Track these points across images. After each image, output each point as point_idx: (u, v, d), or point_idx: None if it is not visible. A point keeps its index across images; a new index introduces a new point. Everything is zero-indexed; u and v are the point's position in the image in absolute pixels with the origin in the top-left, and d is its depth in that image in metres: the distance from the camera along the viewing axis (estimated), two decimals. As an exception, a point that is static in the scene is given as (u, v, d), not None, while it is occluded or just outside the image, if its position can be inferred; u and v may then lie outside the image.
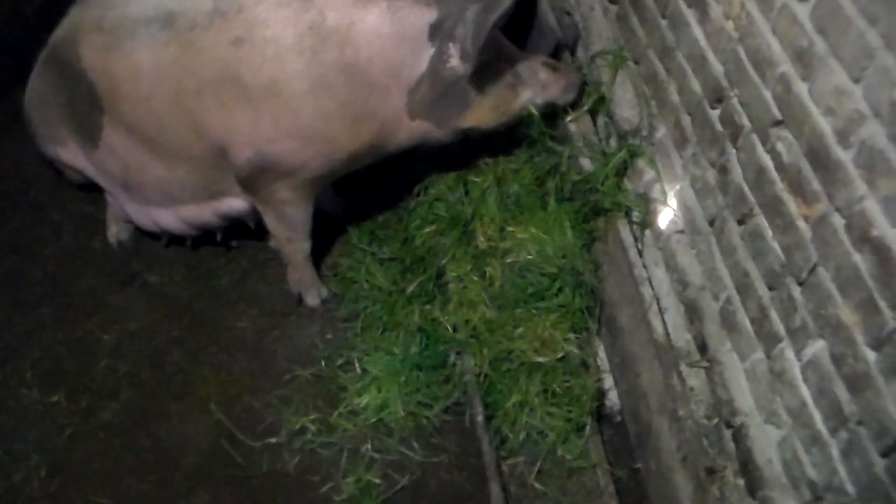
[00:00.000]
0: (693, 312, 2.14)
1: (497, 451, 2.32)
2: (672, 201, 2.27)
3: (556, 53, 2.76)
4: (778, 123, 1.78)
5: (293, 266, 2.68)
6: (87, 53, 2.44)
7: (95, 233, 2.88)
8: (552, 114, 2.56)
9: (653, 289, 2.26)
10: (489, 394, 2.40)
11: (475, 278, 2.55)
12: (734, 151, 1.97)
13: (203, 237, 2.77)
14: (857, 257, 1.54)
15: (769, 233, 1.83)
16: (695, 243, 2.17)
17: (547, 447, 2.31)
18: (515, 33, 2.59)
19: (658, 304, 2.23)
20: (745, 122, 1.91)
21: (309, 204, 2.52)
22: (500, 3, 2.19)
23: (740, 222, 1.95)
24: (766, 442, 1.85)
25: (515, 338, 2.40)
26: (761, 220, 1.86)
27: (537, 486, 2.29)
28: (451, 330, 2.49)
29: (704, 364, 2.08)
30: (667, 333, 2.18)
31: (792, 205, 1.74)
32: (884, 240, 1.47)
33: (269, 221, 2.56)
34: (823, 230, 1.64)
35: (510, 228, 2.57)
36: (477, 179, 2.67)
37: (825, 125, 1.62)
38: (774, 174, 1.80)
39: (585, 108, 2.58)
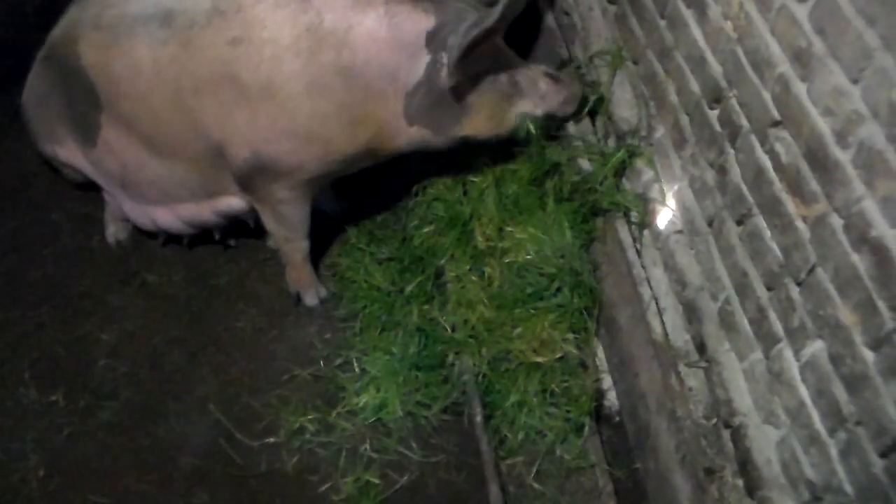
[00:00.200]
0: (692, 312, 2.14)
1: (496, 451, 2.32)
2: (671, 201, 2.27)
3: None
4: (776, 124, 1.78)
5: (292, 266, 2.68)
6: (86, 51, 2.44)
7: (94, 232, 2.88)
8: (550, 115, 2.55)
9: (651, 289, 2.26)
10: (488, 394, 2.40)
11: (474, 278, 2.55)
12: (733, 152, 1.97)
13: (201, 236, 2.77)
14: (856, 258, 1.54)
15: (768, 233, 1.83)
16: (693, 243, 2.17)
17: (545, 447, 2.32)
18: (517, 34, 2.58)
19: (657, 304, 2.23)
20: (744, 122, 1.91)
21: (307, 204, 2.51)
22: (486, 19, 2.17)
23: (739, 222, 1.95)
24: (765, 442, 1.85)
25: (514, 338, 2.40)
26: (760, 221, 1.86)
27: (536, 486, 2.29)
28: (449, 330, 2.49)
29: (703, 364, 2.08)
30: (665, 333, 2.18)
31: (790, 205, 1.74)
32: (882, 240, 1.47)
33: (267, 221, 2.55)
34: (822, 230, 1.64)
35: (509, 228, 2.57)
36: (475, 179, 2.67)
37: (824, 126, 1.62)
38: (773, 174, 1.80)
39: (585, 108, 2.58)
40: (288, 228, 2.56)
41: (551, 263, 2.44)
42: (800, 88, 1.69)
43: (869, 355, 1.52)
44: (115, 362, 2.57)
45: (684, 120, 2.19)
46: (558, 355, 2.37)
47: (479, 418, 2.35)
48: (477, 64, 2.27)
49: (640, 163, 2.38)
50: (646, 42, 2.39)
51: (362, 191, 2.86)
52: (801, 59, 1.68)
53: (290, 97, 2.24)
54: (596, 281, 2.45)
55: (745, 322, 1.93)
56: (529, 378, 2.35)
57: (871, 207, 1.50)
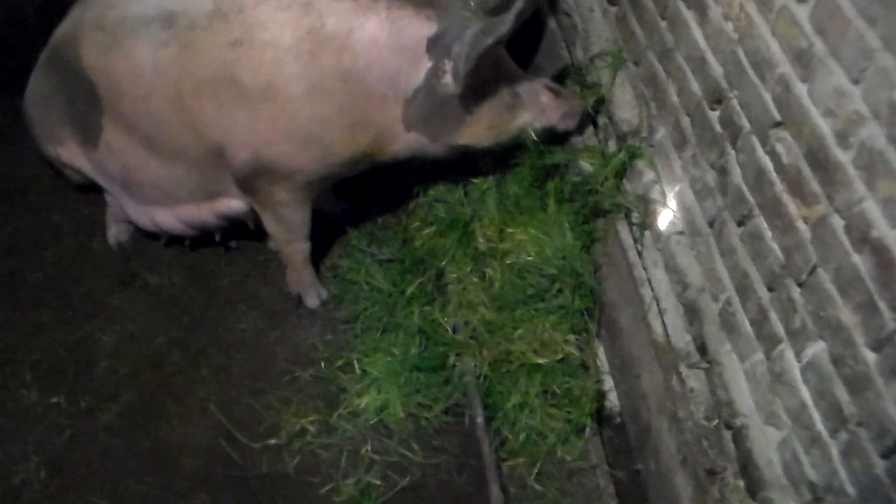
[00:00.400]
0: (693, 314, 2.14)
1: (497, 452, 2.32)
2: (672, 202, 2.27)
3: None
4: (777, 125, 1.78)
5: (292, 267, 2.68)
6: (88, 53, 2.44)
7: (95, 234, 2.88)
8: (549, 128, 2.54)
9: (652, 290, 2.26)
10: (489, 395, 2.40)
11: (475, 279, 2.55)
12: (734, 153, 1.97)
13: (202, 238, 2.77)
14: (857, 258, 1.54)
15: (769, 234, 1.83)
16: (694, 244, 2.17)
17: (547, 448, 2.31)
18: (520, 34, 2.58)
19: (658, 305, 2.23)
20: (745, 123, 1.91)
21: (307, 206, 2.52)
22: (497, 28, 2.18)
23: (740, 223, 1.95)
24: (766, 443, 1.85)
25: (515, 339, 2.40)
26: (761, 222, 1.86)
27: (537, 487, 2.29)
28: (450, 331, 2.49)
29: (704, 365, 2.08)
30: (666, 335, 2.18)
31: (791, 206, 1.74)
32: (883, 241, 1.47)
33: (268, 223, 2.56)
34: (823, 231, 1.64)
35: (510, 230, 2.57)
36: (476, 181, 2.68)
37: (825, 126, 1.62)
38: (774, 175, 1.80)
39: (585, 123, 2.58)
40: (288, 230, 2.56)
41: (552, 264, 2.44)
42: (801, 89, 1.69)
43: (870, 356, 1.52)
44: (117, 364, 2.57)
45: (685, 121, 2.19)
46: (559, 356, 2.37)
47: (480, 419, 2.35)
48: (480, 73, 2.27)
49: (640, 164, 2.38)
50: (646, 43, 2.39)
51: (363, 192, 2.86)
52: (802, 59, 1.68)
53: (290, 99, 2.24)
54: (597, 282, 2.45)
55: (747, 323, 1.93)
56: (530, 379, 2.35)
57: (872, 208, 1.50)
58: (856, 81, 1.53)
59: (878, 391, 1.50)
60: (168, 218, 2.66)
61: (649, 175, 2.35)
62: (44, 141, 2.78)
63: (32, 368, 2.54)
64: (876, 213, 1.49)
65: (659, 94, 2.32)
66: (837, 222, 1.59)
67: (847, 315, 1.57)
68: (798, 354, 1.74)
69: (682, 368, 2.11)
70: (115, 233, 2.85)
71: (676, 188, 2.25)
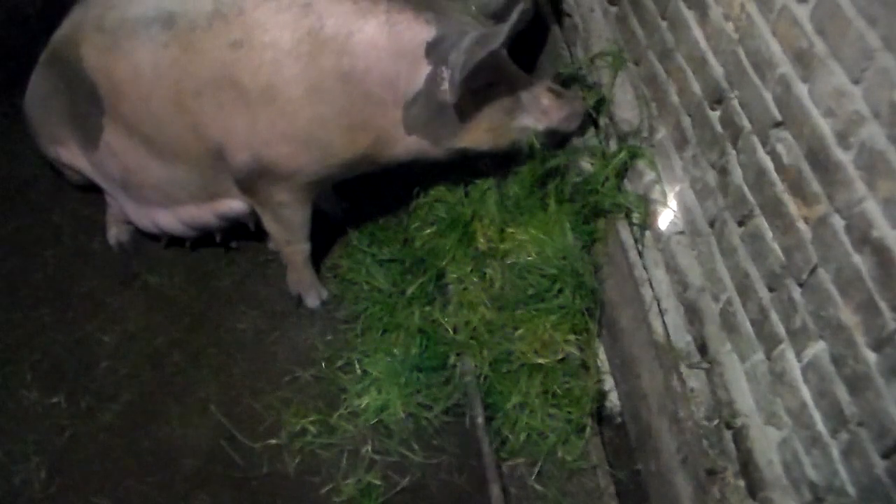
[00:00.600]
0: (693, 314, 2.14)
1: (497, 452, 2.32)
2: (672, 202, 2.27)
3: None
4: (778, 125, 1.78)
5: (293, 267, 2.68)
6: (88, 54, 2.44)
7: (95, 234, 2.88)
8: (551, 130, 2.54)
9: (653, 290, 2.26)
10: (489, 395, 2.40)
11: (475, 280, 2.55)
12: (734, 153, 1.97)
13: (203, 238, 2.77)
14: (858, 258, 1.54)
15: (769, 234, 1.83)
16: (695, 244, 2.17)
17: (547, 448, 2.31)
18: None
19: (658, 305, 2.23)
20: (745, 123, 1.91)
21: (307, 206, 2.51)
22: (491, 40, 2.17)
23: (740, 223, 1.95)
24: (767, 443, 1.85)
25: (515, 339, 2.40)
26: (761, 222, 1.86)
27: (537, 487, 2.29)
28: (451, 331, 2.49)
29: (705, 365, 2.08)
30: (667, 335, 2.18)
31: (792, 206, 1.74)
32: (884, 241, 1.47)
33: (268, 223, 2.55)
34: (823, 231, 1.64)
35: (510, 230, 2.57)
36: (477, 181, 2.67)
37: (825, 126, 1.62)
38: (774, 175, 1.80)
39: (586, 126, 2.58)
40: (288, 231, 2.56)
41: (553, 265, 2.44)
42: (801, 89, 1.69)
43: (871, 356, 1.52)
44: (117, 364, 2.57)
45: (686, 121, 2.20)
46: (560, 356, 2.37)
47: (480, 419, 2.35)
48: (478, 78, 2.26)
49: (641, 164, 2.38)
50: (647, 43, 2.39)
51: (363, 192, 2.86)
52: (803, 59, 1.68)
53: (289, 101, 2.24)
54: (597, 282, 2.45)
55: (747, 323, 1.93)
56: (531, 379, 2.35)
57: (872, 208, 1.50)
58: (856, 81, 1.53)
59: (879, 391, 1.50)
60: (168, 219, 2.66)
61: (650, 175, 2.35)
62: (44, 142, 2.78)
63: (32, 368, 2.55)
64: (876, 213, 1.49)
65: (659, 94, 2.32)
66: (838, 222, 1.59)
67: (847, 315, 1.57)
68: (799, 354, 1.74)
69: (683, 368, 2.11)
70: (116, 233, 2.85)
71: (677, 188, 2.25)
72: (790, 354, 1.77)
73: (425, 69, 2.26)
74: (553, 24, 2.89)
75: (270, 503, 2.31)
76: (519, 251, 2.52)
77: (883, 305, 1.48)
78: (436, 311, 2.53)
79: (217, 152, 2.38)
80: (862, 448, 1.55)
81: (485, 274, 2.55)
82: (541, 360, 2.36)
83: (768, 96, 1.80)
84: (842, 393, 1.60)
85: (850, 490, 1.59)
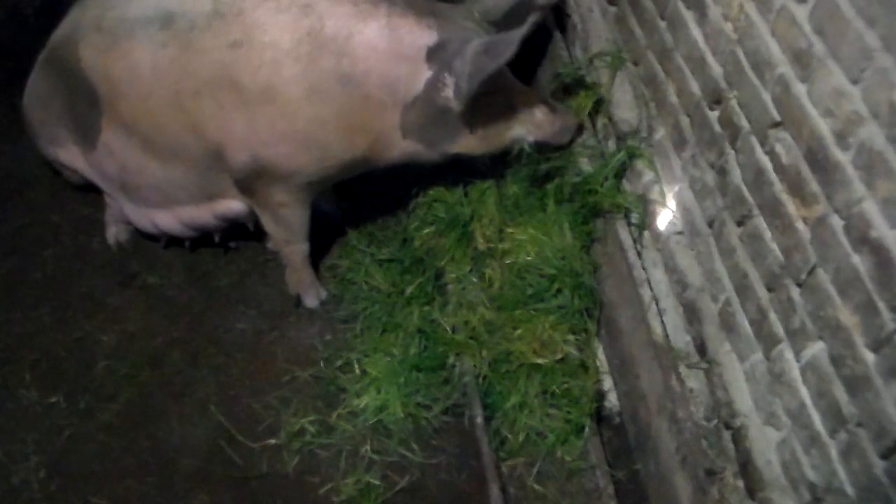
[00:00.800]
0: (692, 314, 2.14)
1: (496, 452, 2.32)
2: (671, 203, 2.27)
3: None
4: (777, 125, 1.78)
5: (292, 267, 2.68)
6: (87, 54, 2.44)
7: (94, 234, 2.88)
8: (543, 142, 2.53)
9: (652, 290, 2.26)
10: (488, 395, 2.40)
11: (474, 280, 2.56)
12: (733, 153, 1.97)
13: (202, 238, 2.77)
14: (856, 258, 1.54)
15: (768, 234, 1.83)
16: (694, 245, 2.17)
17: (546, 448, 2.31)
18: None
19: (657, 305, 2.23)
20: (744, 123, 1.91)
21: (306, 206, 2.51)
22: (502, 51, 2.16)
23: (739, 224, 1.95)
24: (766, 443, 1.85)
25: (514, 339, 2.40)
26: (760, 222, 1.86)
27: (537, 487, 2.29)
28: (450, 331, 2.49)
29: (703, 365, 2.08)
30: (666, 335, 2.18)
31: (791, 206, 1.74)
32: (882, 241, 1.47)
33: (267, 224, 2.55)
34: (822, 231, 1.64)
35: (509, 230, 2.57)
36: (476, 181, 2.67)
37: (824, 126, 1.62)
38: (773, 175, 1.80)
39: (585, 110, 2.58)
40: (287, 231, 2.56)
41: (552, 265, 2.44)
42: (800, 89, 1.69)
43: (869, 356, 1.52)
44: (116, 364, 2.57)
45: (684, 121, 2.20)
46: (559, 356, 2.37)
47: (479, 419, 2.35)
48: (480, 87, 2.27)
49: (640, 164, 2.38)
50: (646, 43, 2.39)
51: (363, 192, 2.86)
52: (802, 59, 1.68)
53: (289, 101, 2.24)
54: (596, 282, 2.45)
55: (746, 323, 1.93)
56: (530, 379, 2.35)
57: (871, 208, 1.50)
58: (855, 82, 1.53)
59: (878, 391, 1.50)
60: (167, 219, 2.65)
61: (649, 175, 2.35)
62: (43, 142, 2.78)
63: (32, 368, 2.54)
64: (875, 213, 1.49)
65: (658, 94, 2.32)
66: (837, 222, 1.59)
67: (846, 315, 1.57)
68: (797, 354, 1.74)
69: (682, 368, 2.11)
70: (115, 233, 2.85)
71: (676, 188, 2.25)
72: (789, 354, 1.77)
73: (425, 74, 2.26)
74: (552, 24, 2.89)
75: (269, 503, 2.31)
76: (518, 251, 2.52)
77: (882, 305, 1.48)
78: (435, 310, 2.54)
79: (216, 152, 2.38)
80: (861, 448, 1.55)
81: (484, 274, 2.56)
82: (540, 360, 2.36)
83: (767, 96, 1.81)
84: (840, 393, 1.60)
85: (849, 490, 1.59)
